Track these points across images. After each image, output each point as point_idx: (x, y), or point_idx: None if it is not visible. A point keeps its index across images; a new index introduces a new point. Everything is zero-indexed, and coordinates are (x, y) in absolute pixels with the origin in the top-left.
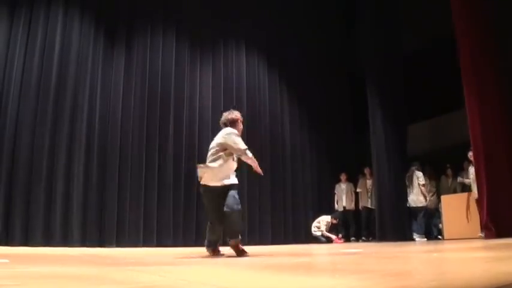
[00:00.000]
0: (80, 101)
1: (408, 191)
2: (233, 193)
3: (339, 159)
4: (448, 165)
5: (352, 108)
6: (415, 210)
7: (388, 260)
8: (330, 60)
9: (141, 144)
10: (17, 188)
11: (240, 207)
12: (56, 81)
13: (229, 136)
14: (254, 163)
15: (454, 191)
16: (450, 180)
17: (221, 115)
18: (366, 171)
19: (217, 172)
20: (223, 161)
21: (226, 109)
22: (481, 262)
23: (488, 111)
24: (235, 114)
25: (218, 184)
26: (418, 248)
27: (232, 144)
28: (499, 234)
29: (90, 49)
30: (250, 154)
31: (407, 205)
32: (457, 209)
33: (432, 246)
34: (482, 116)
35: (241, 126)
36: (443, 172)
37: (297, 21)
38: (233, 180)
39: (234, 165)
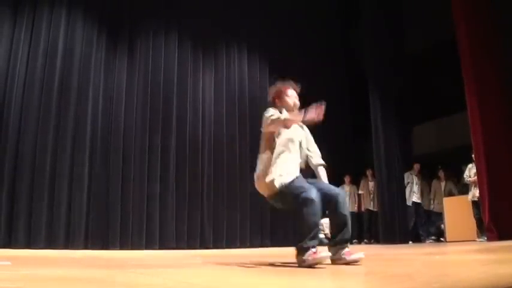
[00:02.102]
0: (83, 103)
1: (433, 196)
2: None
3: (341, 161)
4: (439, 167)
5: (355, 110)
6: (431, 214)
7: (390, 262)
8: (332, 62)
9: (144, 145)
10: (20, 190)
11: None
12: (58, 83)
13: (264, 118)
14: (300, 117)
15: (449, 194)
16: (443, 183)
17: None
18: (368, 172)
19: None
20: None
21: (228, 111)
22: (482, 264)
23: (489, 112)
24: (279, 85)
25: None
26: (420, 250)
27: (265, 122)
28: (501, 237)
29: (93, 50)
30: (292, 116)
31: (431, 209)
32: (460, 211)
33: (434, 248)
34: (483, 117)
35: (291, 100)
36: (446, 175)
37: (298, 22)
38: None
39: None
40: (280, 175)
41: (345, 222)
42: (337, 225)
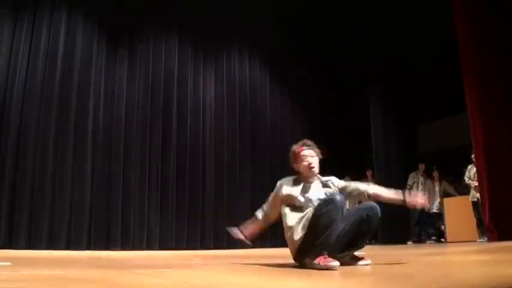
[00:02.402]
0: (83, 106)
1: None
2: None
3: (341, 161)
4: (434, 168)
5: (354, 110)
6: (434, 216)
7: (391, 262)
8: (331, 62)
9: (145, 146)
10: (21, 190)
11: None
12: (59, 86)
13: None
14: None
15: (445, 194)
16: (437, 183)
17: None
18: (368, 173)
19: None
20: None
21: (229, 113)
22: (483, 265)
23: (489, 112)
24: (294, 147)
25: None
26: (421, 250)
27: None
28: (502, 237)
29: (94, 54)
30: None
31: (438, 211)
32: (460, 212)
33: (435, 249)
34: (483, 117)
35: (306, 162)
36: (449, 174)
37: (299, 24)
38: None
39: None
40: (299, 223)
41: (368, 234)
42: (360, 232)
